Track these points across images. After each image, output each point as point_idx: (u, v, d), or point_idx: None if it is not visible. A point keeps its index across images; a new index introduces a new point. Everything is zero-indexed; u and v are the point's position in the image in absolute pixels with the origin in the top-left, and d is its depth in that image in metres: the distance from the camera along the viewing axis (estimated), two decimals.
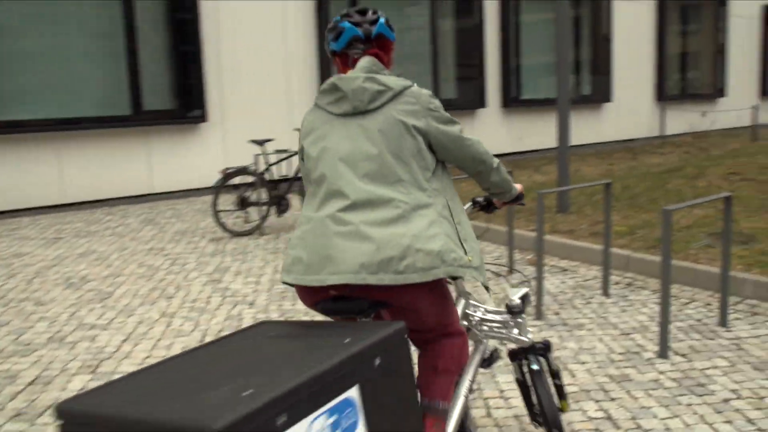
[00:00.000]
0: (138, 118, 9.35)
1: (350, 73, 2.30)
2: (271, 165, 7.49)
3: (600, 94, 15.56)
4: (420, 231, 2.12)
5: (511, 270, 5.97)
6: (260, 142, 7.48)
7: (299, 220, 2.28)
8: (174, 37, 9.64)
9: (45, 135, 8.78)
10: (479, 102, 13.25)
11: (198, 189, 10.15)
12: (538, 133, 14.51)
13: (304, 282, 2.14)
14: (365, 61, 2.34)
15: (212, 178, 10.19)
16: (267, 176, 7.48)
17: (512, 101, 13.75)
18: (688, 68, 17.88)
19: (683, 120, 17.97)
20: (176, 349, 4.27)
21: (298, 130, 7.97)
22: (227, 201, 8.83)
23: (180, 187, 9.98)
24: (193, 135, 9.99)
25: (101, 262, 6.36)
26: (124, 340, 4.44)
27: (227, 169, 7.16)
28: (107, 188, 9.32)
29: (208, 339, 4.45)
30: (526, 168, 12.25)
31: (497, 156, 13.68)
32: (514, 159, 13.78)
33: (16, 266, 6.23)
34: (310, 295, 2.22)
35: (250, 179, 7.34)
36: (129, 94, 9.33)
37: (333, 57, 2.45)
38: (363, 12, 2.40)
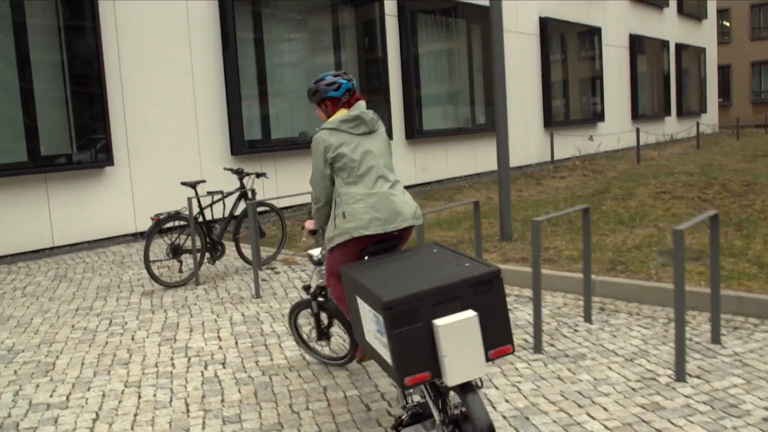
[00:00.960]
0: (34, 164, 8.46)
1: (358, 109, 3.74)
2: (204, 208, 6.95)
3: (493, 123, 15.95)
4: (410, 197, 3.71)
5: None
6: (192, 185, 6.93)
7: (348, 197, 3.57)
8: (72, 73, 8.85)
9: None
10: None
11: (107, 239, 9.32)
12: (437, 162, 14.62)
13: (385, 230, 3.53)
14: (362, 103, 3.80)
15: (120, 226, 9.39)
16: (200, 220, 6.94)
17: (416, 133, 13.78)
18: (570, 95, 18.80)
19: (570, 144, 18.83)
20: (162, 424, 3.72)
21: (231, 169, 7.51)
22: (156, 249, 8.11)
23: (85, 238, 9.11)
24: (98, 180, 9.18)
25: (24, 329, 5.58)
26: (95, 420, 3.82)
27: (159, 214, 6.56)
28: (3, 244, 8.32)
29: (193, 408, 3.93)
30: (438, 198, 12.26)
31: (407, 187, 13.66)
32: (422, 190, 13.79)
33: None
34: (361, 244, 3.57)
35: (180, 224, 6.76)
36: (24, 139, 8.43)
37: (323, 101, 3.82)
38: (346, 72, 3.88)
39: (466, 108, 15.39)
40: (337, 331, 4.96)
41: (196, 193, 6.97)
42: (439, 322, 2.66)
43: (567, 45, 18.48)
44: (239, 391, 4.15)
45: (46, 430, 3.71)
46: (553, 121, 17.80)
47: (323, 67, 12.16)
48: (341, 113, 3.70)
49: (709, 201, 8.01)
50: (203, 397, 4.08)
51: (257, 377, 4.36)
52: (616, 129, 20.98)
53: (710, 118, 28.52)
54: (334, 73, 3.78)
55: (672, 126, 24.82)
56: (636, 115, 22.00)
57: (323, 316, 4.29)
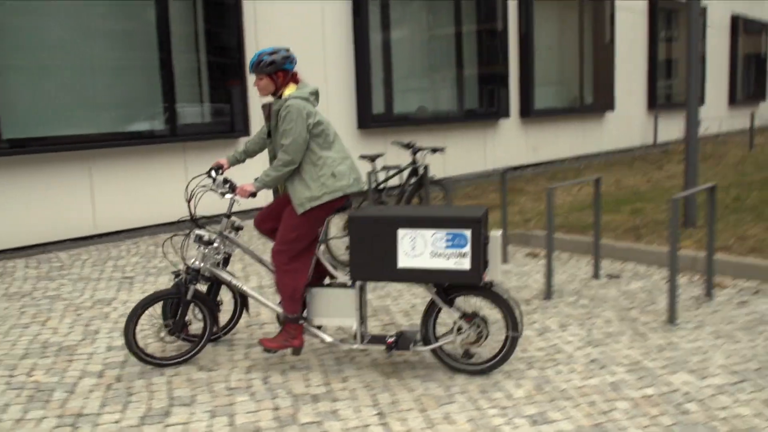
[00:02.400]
0: (173, 133, 8.16)
1: (311, 85, 4.12)
2: (380, 183, 6.57)
3: (601, 103, 15.29)
4: None
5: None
6: (372, 158, 6.55)
7: (331, 160, 3.98)
8: (210, 42, 8.52)
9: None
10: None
11: (242, 212, 9.04)
12: (548, 142, 14.03)
13: (360, 189, 4.08)
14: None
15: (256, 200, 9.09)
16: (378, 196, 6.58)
17: (531, 112, 13.21)
18: (673, 76, 17.98)
19: (673, 128, 18.06)
20: None
21: (400, 143, 7.10)
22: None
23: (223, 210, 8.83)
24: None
25: None
26: None
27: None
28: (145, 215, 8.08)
29: None
30: (562, 179, 11.73)
31: (518, 167, 13.20)
32: (535, 171, 13.25)
33: None
34: (337, 203, 4.03)
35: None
36: (162, 108, 8.14)
37: (277, 72, 4.01)
38: (288, 49, 4.11)
39: (575, 88, 14.75)
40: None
41: (374, 168, 6.58)
42: (493, 233, 3.82)
43: (672, 24, 17.63)
44: None
45: None
46: (657, 103, 17.04)
47: (445, 41, 11.66)
48: (293, 87, 4.01)
49: None
50: None
51: None
52: (714, 113, 20.08)
53: None
54: (273, 48, 4.00)
55: (766, 111, 23.73)
56: (733, 99, 21.04)
57: (191, 306, 4.15)
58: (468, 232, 3.68)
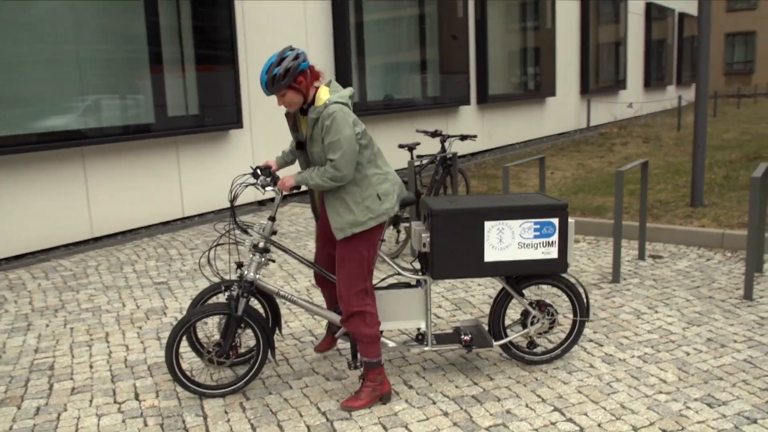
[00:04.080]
0: (164, 127, 7.65)
1: (339, 86, 3.47)
2: (416, 173, 6.43)
3: (545, 89, 15.70)
4: None
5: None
6: (410, 147, 6.38)
7: (376, 177, 3.41)
8: (201, 43, 8.03)
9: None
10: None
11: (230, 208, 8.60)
12: (501, 128, 14.27)
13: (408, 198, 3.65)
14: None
15: (245, 194, 8.68)
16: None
17: (487, 99, 13.36)
18: (600, 62, 18.70)
19: (602, 111, 18.79)
20: None
21: (426, 131, 6.96)
22: None
23: (213, 206, 8.38)
24: (224, 143, 8.42)
25: None
26: None
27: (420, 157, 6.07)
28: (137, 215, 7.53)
29: None
30: (530, 166, 11.94)
31: (477, 152, 13.30)
32: (493, 156, 13.43)
33: None
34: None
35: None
36: (152, 100, 7.60)
37: (298, 76, 3.30)
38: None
39: (522, 74, 15.03)
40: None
41: (412, 157, 6.41)
42: (570, 220, 3.75)
43: (599, 10, 18.31)
44: None
45: None
46: (589, 88, 17.68)
47: (412, 31, 11.56)
48: (325, 89, 3.37)
49: None
50: None
51: None
52: (633, 97, 21.08)
53: None
54: (276, 56, 3.31)
55: (671, 94, 25.18)
56: (648, 83, 22.16)
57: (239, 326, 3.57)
58: (556, 221, 3.61)
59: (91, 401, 3.63)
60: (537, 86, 15.44)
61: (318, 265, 3.79)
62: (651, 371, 3.78)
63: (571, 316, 4.11)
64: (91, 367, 4.08)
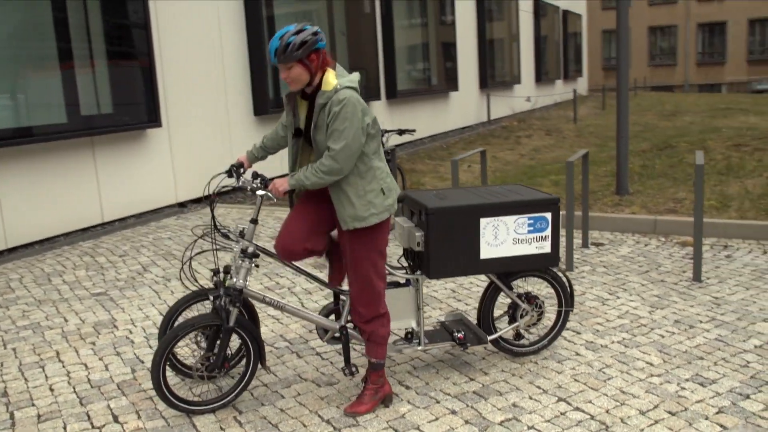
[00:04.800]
0: (77, 127, 7.13)
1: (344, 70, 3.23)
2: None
3: (448, 84, 15.95)
4: None
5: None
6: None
7: (380, 171, 3.21)
8: (115, 39, 7.52)
9: None
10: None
11: (151, 211, 8.13)
12: (409, 123, 14.36)
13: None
14: None
15: (157, 196, 8.24)
16: None
17: (396, 94, 13.39)
18: (496, 57, 19.23)
19: (499, 105, 19.33)
20: None
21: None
22: None
23: (132, 210, 7.89)
24: (141, 143, 7.95)
25: None
26: None
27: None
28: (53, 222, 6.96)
29: None
30: (434, 158, 12.10)
31: None
32: (405, 150, 13.51)
33: None
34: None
35: None
36: (64, 99, 7.06)
37: (312, 53, 3.07)
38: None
39: (427, 69, 15.19)
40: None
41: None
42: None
43: (493, 8, 18.81)
44: None
45: None
46: (488, 83, 18.13)
47: (323, 26, 11.39)
48: (332, 72, 3.13)
49: None
50: None
51: None
52: (526, 91, 21.83)
53: (584, 83, 30.61)
54: (294, 26, 3.09)
55: (560, 89, 26.30)
56: (539, 77, 23.02)
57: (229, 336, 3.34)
58: (549, 215, 3.62)
59: (65, 428, 3.30)
60: (441, 81, 15.65)
61: (290, 250, 3.39)
62: (635, 355, 3.88)
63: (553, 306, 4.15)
64: (51, 390, 3.71)
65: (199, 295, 3.52)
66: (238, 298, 3.28)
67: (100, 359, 4.09)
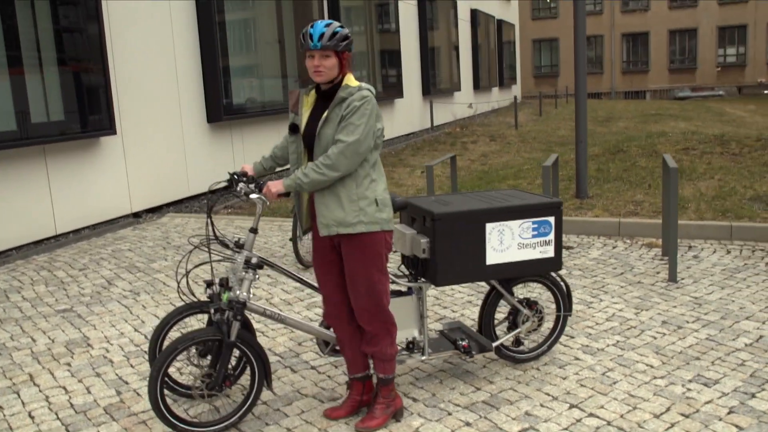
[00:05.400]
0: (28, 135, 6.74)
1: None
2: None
3: (394, 91, 15.96)
4: None
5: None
6: None
7: (378, 183, 3.07)
8: (71, 48, 7.16)
9: None
10: None
11: (105, 222, 7.77)
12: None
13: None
14: None
15: (111, 207, 7.89)
16: None
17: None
18: (438, 65, 19.38)
19: (441, 112, 19.48)
20: None
21: None
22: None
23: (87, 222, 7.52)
24: (95, 152, 7.59)
25: None
26: None
27: None
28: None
29: None
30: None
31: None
32: None
33: None
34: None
35: None
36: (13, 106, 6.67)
37: (344, 52, 3.00)
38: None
39: (372, 76, 15.16)
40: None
41: None
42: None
43: (435, 14, 18.96)
44: None
45: None
46: (430, 89, 18.25)
47: (271, 36, 11.20)
48: (351, 77, 3.08)
49: (739, 155, 8.98)
50: None
51: None
52: (465, 98, 22.10)
53: (518, 90, 31.23)
54: (331, 21, 3.04)
55: (496, 96, 26.76)
56: (477, 85, 23.35)
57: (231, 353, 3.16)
58: (552, 219, 3.61)
59: None
60: (387, 88, 15.65)
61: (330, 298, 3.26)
62: (634, 358, 3.90)
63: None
64: (31, 417, 3.45)
65: (192, 308, 3.34)
66: (241, 311, 3.12)
67: (80, 381, 3.84)
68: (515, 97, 18.51)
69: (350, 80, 3.03)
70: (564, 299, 3.88)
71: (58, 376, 3.91)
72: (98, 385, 3.79)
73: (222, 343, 3.13)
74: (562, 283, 3.85)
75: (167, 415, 3.06)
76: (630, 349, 4.03)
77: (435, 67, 18.77)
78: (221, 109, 9.49)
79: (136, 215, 8.31)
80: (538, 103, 22.01)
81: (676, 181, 5.17)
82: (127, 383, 3.79)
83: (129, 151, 8.16)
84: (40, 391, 3.74)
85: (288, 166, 3.37)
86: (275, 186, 3.04)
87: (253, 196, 3.17)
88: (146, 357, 4.13)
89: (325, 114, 2.99)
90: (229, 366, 3.19)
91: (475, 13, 22.93)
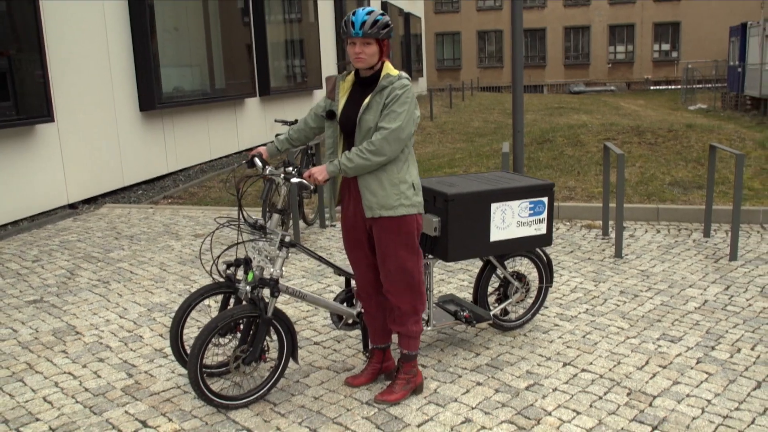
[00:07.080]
0: None
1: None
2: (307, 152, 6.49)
3: (314, 82, 16.09)
4: None
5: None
6: (290, 123, 6.45)
7: (414, 169, 3.25)
8: (6, 32, 6.89)
9: None
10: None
11: (42, 213, 7.53)
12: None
13: None
14: None
15: (48, 197, 7.66)
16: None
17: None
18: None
19: None
20: None
21: (284, 121, 6.84)
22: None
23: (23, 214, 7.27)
24: (31, 140, 7.34)
25: None
26: None
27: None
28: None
29: None
30: None
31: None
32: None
33: None
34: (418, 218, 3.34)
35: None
36: None
37: (384, 41, 3.13)
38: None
39: (292, 68, 15.22)
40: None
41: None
42: None
43: (348, 7, 19.16)
44: None
45: None
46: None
47: (198, 25, 11.08)
48: (389, 65, 3.22)
49: (655, 144, 9.72)
50: None
51: None
52: None
53: (423, 82, 31.90)
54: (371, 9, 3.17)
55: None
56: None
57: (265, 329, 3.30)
58: (545, 199, 3.95)
59: None
60: (305, 78, 15.75)
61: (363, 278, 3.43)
62: (605, 322, 4.33)
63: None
64: (49, 402, 3.45)
65: (213, 288, 3.46)
66: (276, 288, 3.27)
67: (84, 366, 3.85)
68: (430, 90, 19.01)
69: (389, 68, 3.18)
70: (546, 272, 4.25)
71: (58, 363, 3.90)
72: (105, 369, 3.81)
73: (258, 319, 3.27)
74: (544, 257, 4.21)
75: (205, 390, 3.17)
76: (599, 315, 4.46)
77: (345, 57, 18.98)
78: (154, 98, 9.35)
79: (72, 206, 8.09)
80: (448, 95, 22.67)
81: (623, 165, 5.67)
82: (134, 365, 3.84)
83: (64, 140, 7.93)
84: (46, 378, 3.72)
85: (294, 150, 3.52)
86: (321, 174, 3.14)
87: (294, 180, 3.24)
88: (144, 341, 4.18)
89: (366, 101, 3.13)
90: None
91: (385, 6, 23.31)
